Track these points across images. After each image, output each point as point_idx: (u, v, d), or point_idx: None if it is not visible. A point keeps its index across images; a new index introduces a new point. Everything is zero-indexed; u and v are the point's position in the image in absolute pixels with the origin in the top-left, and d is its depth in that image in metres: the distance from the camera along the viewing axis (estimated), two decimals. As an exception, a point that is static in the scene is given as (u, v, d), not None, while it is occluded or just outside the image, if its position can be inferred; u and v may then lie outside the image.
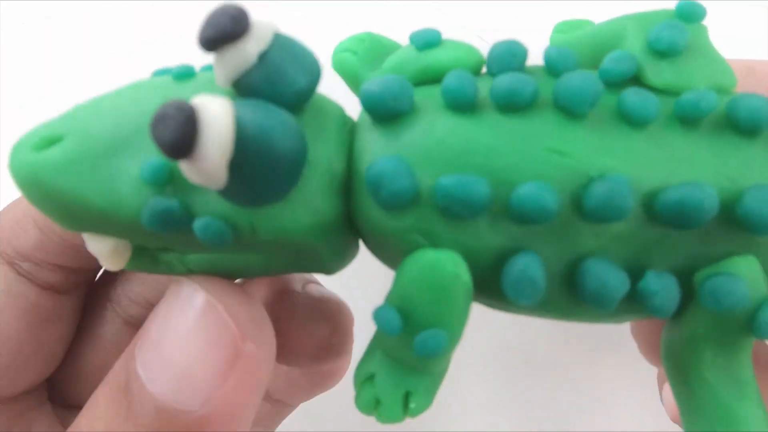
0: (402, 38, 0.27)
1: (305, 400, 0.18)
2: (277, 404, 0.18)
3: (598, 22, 0.13)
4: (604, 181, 0.10)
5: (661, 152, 0.10)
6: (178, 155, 0.08)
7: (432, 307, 0.10)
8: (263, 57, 0.09)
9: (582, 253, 0.10)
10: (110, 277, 0.16)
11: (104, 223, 0.10)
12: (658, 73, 0.11)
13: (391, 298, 0.11)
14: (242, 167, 0.08)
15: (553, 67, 0.11)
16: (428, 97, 0.11)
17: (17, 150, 0.11)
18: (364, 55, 0.13)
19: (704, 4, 0.28)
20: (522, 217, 0.10)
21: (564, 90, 0.10)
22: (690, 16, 0.12)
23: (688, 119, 0.11)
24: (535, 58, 0.26)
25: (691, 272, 0.10)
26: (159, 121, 0.08)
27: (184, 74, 0.11)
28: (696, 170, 0.10)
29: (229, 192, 0.09)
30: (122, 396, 0.10)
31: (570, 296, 0.10)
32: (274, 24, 0.09)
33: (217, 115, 0.08)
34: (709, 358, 0.10)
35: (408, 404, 0.11)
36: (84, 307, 0.16)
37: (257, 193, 0.09)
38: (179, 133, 0.08)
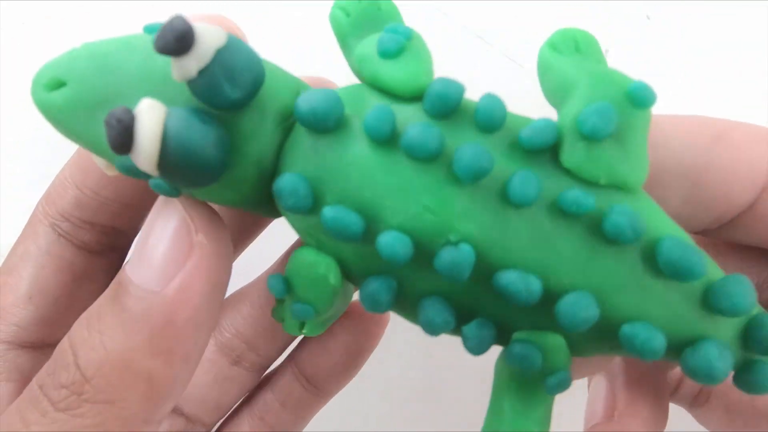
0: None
1: (342, 386, 0.20)
2: (314, 392, 0.20)
3: (586, 44, 0.13)
4: (455, 249, 0.11)
5: (523, 234, 0.12)
6: (120, 154, 0.11)
7: (305, 291, 0.13)
8: (202, 73, 0.11)
9: (426, 291, 0.12)
10: None
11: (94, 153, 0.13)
12: (571, 153, 0.12)
13: (286, 270, 0.14)
14: (166, 167, 0.11)
15: (478, 120, 0.12)
16: (358, 115, 0.12)
17: (35, 84, 0.13)
18: (355, 20, 0.14)
19: (704, 4, 0.28)
20: (381, 254, 0.12)
21: (457, 159, 0.11)
22: (638, 100, 0.12)
23: (564, 212, 0.12)
24: (534, 57, 0.26)
25: (511, 329, 0.12)
26: (107, 125, 0.11)
27: None
28: (544, 260, 0.12)
29: (162, 178, 0.11)
30: (113, 290, 0.13)
31: (413, 318, 0.13)
32: (221, 37, 0.11)
33: (149, 128, 0.11)
34: (510, 395, 0.13)
35: (302, 328, 0.15)
36: (117, 270, 0.17)
37: (182, 183, 0.12)
38: (118, 140, 0.11)
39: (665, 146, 0.13)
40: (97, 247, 0.17)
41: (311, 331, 0.15)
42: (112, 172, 0.14)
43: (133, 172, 0.12)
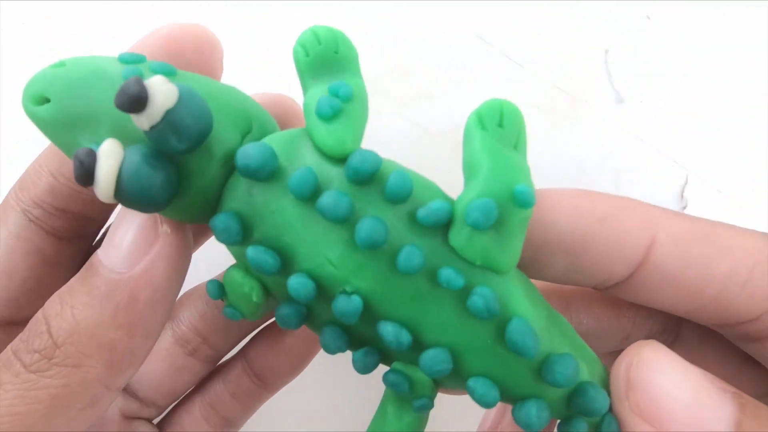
0: (402, 39, 0.27)
1: (287, 383, 0.22)
2: (261, 386, 0.22)
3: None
4: (347, 299, 0.14)
5: (403, 293, 0.14)
6: (83, 186, 0.13)
7: (235, 300, 0.15)
8: (153, 128, 0.13)
9: (327, 320, 0.15)
10: None
11: None
12: (456, 235, 0.14)
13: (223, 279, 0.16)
14: (120, 199, 0.13)
15: (386, 192, 0.14)
16: (293, 167, 0.14)
17: (25, 96, 0.15)
18: (312, 60, 0.16)
19: (704, 4, 0.28)
20: (289, 292, 0.14)
21: (357, 229, 0.14)
22: (520, 203, 0.14)
23: (439, 282, 0.14)
24: (534, 57, 0.25)
25: (393, 359, 0.15)
26: (74, 161, 0.13)
27: (135, 72, 0.14)
28: (416, 315, 0.14)
29: (119, 203, 0.13)
30: (85, 270, 0.15)
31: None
32: (172, 97, 0.13)
33: (105, 171, 0.13)
34: (392, 402, 0.16)
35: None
36: (85, 257, 0.18)
37: (135, 208, 0.14)
38: (81, 178, 0.13)
39: (554, 224, 0.15)
40: (67, 233, 0.18)
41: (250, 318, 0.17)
42: None
43: None
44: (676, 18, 0.27)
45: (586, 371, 0.15)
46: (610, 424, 0.14)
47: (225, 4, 0.27)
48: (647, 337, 0.18)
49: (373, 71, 0.26)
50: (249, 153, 0.14)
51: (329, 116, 0.14)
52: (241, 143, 0.15)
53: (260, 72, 0.26)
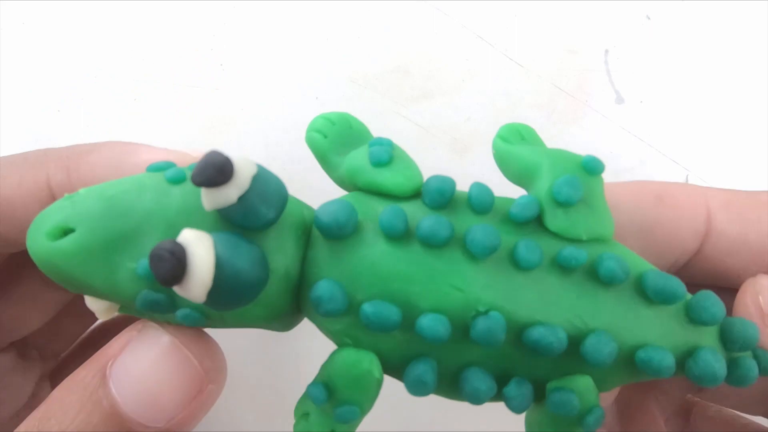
0: (402, 39, 0.27)
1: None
2: None
3: (531, 140, 0.16)
4: (486, 317, 0.13)
5: (537, 293, 0.14)
6: (170, 286, 0.11)
7: (350, 391, 0.14)
8: (241, 199, 0.12)
9: (464, 363, 0.14)
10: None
11: (104, 297, 0.13)
12: (553, 219, 0.14)
13: (321, 376, 0.14)
14: (217, 295, 0.11)
15: (473, 205, 0.14)
16: (370, 219, 0.14)
17: (34, 233, 0.13)
18: (332, 140, 0.16)
19: (704, 4, 0.28)
20: (423, 337, 0.13)
21: (470, 240, 0.13)
22: (592, 170, 0.14)
23: (564, 267, 0.14)
24: (534, 57, 0.25)
25: (545, 381, 0.14)
26: (155, 259, 0.11)
27: (176, 179, 0.13)
28: (560, 311, 0.14)
29: (206, 304, 0.12)
30: (91, 407, 0.13)
31: (455, 393, 0.14)
32: (254, 166, 0.12)
33: (202, 258, 0.11)
34: None
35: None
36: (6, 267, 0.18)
37: (227, 306, 0.12)
38: (171, 273, 0.11)
39: (617, 209, 0.15)
40: None
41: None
42: (110, 314, 0.14)
43: (158, 307, 0.13)
44: (676, 18, 0.27)
45: None
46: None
47: (226, 5, 0.27)
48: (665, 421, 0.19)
49: (373, 71, 0.26)
50: (332, 209, 0.13)
51: (387, 161, 0.14)
52: (302, 214, 0.14)
53: (259, 71, 0.27)
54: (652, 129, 0.27)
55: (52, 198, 0.16)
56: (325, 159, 0.16)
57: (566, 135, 0.26)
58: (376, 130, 0.16)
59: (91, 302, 0.14)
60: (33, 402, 0.20)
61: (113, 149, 0.16)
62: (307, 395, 0.14)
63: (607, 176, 0.26)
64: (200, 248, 0.11)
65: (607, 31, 0.27)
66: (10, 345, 0.19)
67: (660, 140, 0.27)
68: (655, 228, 0.16)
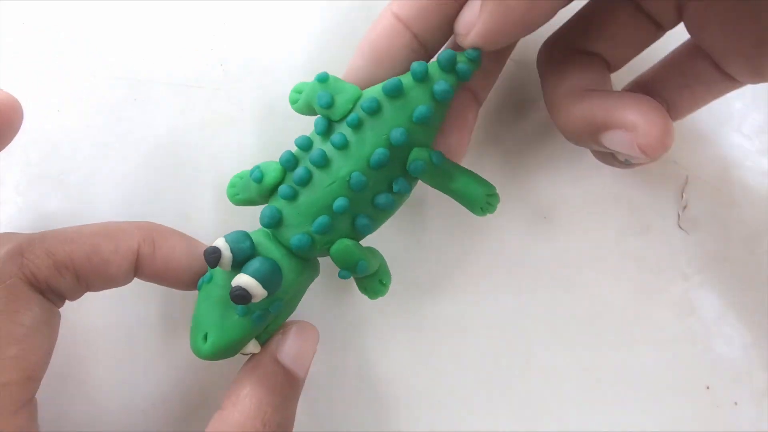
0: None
1: None
2: None
3: None
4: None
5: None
6: (249, 302, 0.20)
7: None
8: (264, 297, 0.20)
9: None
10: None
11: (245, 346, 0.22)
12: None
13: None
14: (269, 290, 0.20)
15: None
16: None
17: (196, 337, 0.21)
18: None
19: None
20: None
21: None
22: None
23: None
24: (533, 57, 0.25)
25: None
26: (238, 299, 0.19)
27: (206, 280, 0.22)
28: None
29: (270, 295, 0.20)
30: (266, 374, 0.21)
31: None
32: (260, 288, 0.20)
33: (252, 285, 0.20)
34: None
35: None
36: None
37: (274, 291, 0.20)
38: (247, 300, 0.19)
39: None
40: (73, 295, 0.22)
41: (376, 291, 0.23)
42: (257, 348, 0.22)
43: (263, 316, 0.21)
44: (676, 18, 0.27)
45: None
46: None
47: (225, 5, 0.27)
48: None
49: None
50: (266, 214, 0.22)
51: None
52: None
53: (259, 71, 0.26)
54: (652, 129, 0.27)
55: (138, 261, 0.21)
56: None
57: (566, 135, 0.26)
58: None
59: (244, 351, 0.21)
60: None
61: (187, 239, 0.22)
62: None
63: (608, 176, 0.26)
64: (250, 280, 0.20)
65: (607, 31, 0.27)
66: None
67: (660, 140, 0.27)
68: None
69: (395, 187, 0.21)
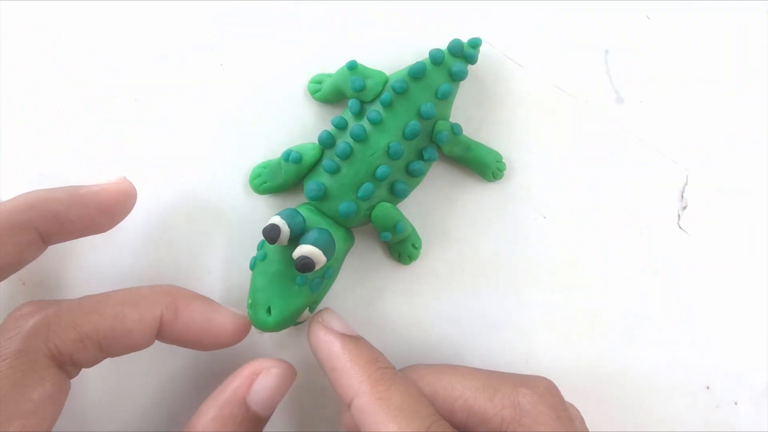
0: (401, 39, 0.27)
1: None
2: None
3: None
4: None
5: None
6: (314, 269, 0.21)
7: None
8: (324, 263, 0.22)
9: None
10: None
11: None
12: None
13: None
14: (327, 256, 0.21)
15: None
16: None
17: (260, 312, 0.22)
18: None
19: (704, 4, 0.28)
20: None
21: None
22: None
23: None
24: (534, 57, 0.25)
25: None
26: (302, 268, 0.21)
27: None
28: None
29: (327, 261, 0.22)
30: (230, 415, 0.21)
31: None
32: (320, 253, 0.21)
33: (316, 253, 0.21)
34: None
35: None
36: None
37: (330, 256, 0.22)
38: (311, 267, 0.21)
39: None
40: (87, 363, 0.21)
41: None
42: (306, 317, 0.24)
43: (318, 281, 0.23)
44: (676, 18, 0.27)
45: None
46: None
47: (226, 5, 0.27)
48: None
49: (373, 71, 0.26)
50: (311, 188, 0.24)
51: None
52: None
53: (259, 71, 0.27)
54: (652, 129, 0.27)
55: (160, 327, 0.21)
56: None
57: (566, 135, 0.26)
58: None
59: (299, 319, 0.23)
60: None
61: (208, 303, 0.23)
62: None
63: (608, 176, 0.26)
64: (313, 249, 0.21)
65: (607, 31, 0.27)
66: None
67: (660, 140, 0.27)
68: None
69: (425, 155, 0.24)
